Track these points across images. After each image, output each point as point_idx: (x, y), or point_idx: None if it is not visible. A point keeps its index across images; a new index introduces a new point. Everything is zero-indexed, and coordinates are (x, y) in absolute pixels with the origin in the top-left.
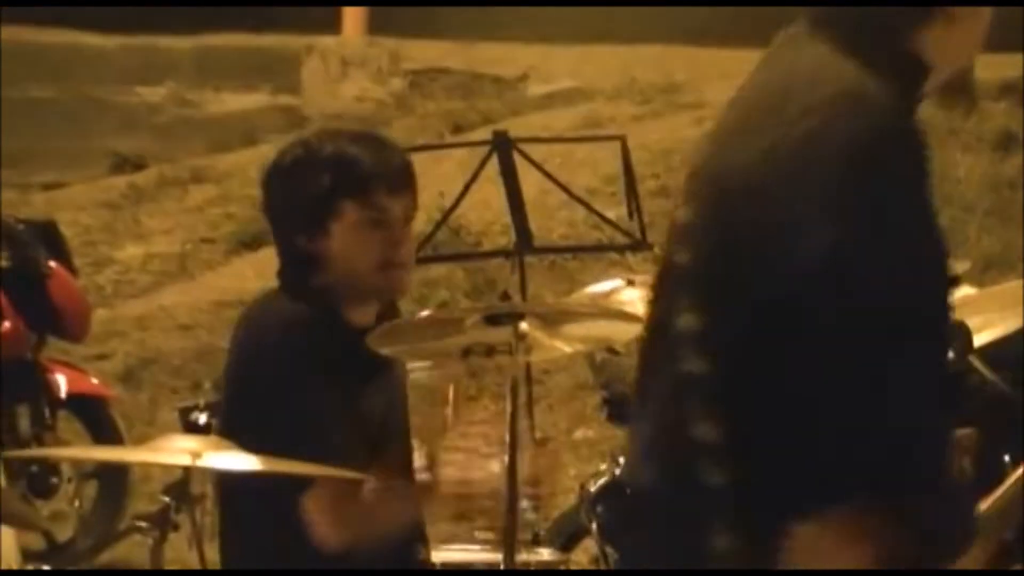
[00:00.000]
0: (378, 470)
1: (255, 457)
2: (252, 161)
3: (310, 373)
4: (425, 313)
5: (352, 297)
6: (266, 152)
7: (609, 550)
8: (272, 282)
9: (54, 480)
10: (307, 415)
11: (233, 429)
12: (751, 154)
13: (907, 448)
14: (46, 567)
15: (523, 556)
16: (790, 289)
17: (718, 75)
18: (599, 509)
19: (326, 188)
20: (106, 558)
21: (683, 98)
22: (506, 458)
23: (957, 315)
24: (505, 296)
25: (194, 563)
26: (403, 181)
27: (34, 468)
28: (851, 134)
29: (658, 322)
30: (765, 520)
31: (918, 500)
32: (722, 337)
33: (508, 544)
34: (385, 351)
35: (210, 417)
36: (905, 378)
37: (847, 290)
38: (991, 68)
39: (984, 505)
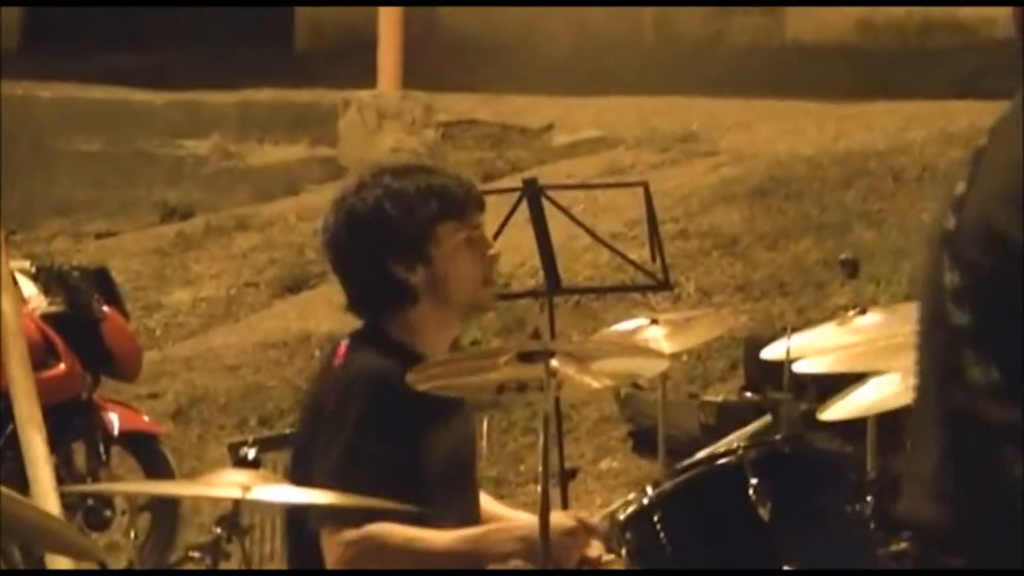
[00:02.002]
0: (440, 511)
1: (303, 491)
2: (293, 209)
3: (380, 426)
4: (460, 352)
5: (438, 326)
6: (307, 201)
7: None
8: (319, 323)
9: (108, 513)
10: (374, 464)
11: (308, 463)
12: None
13: None
14: None
15: None
16: None
17: (732, 125)
18: (628, 536)
19: (434, 213)
20: None
21: (699, 147)
22: (538, 488)
23: None
24: (535, 335)
25: None
26: (481, 199)
27: (90, 502)
28: None
29: (928, 281)
30: None
31: None
32: (981, 292)
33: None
34: (422, 388)
35: (258, 452)
36: None
37: None
38: (991, 114)
39: None
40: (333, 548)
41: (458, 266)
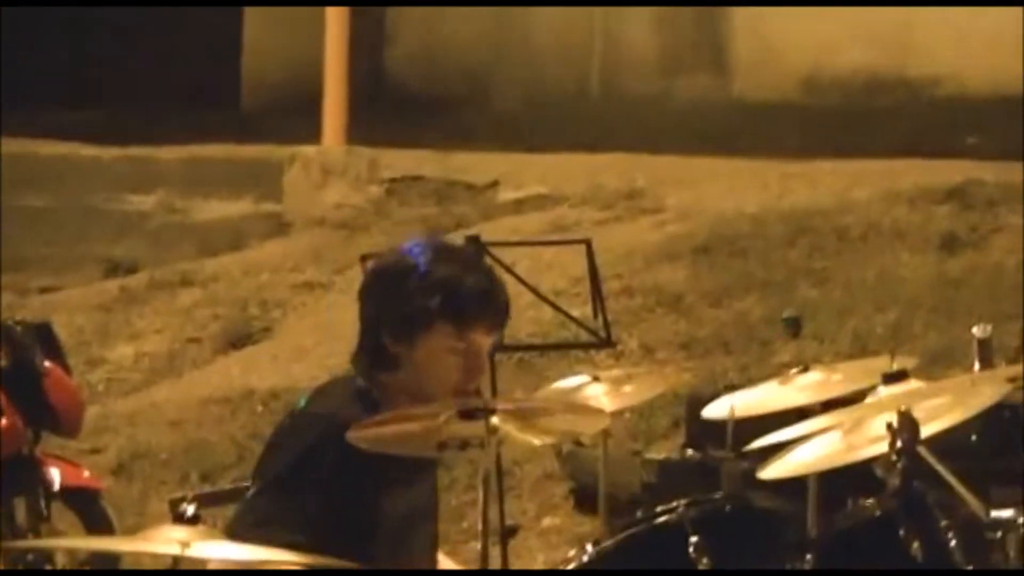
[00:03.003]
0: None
1: (242, 547)
2: (237, 264)
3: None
4: (401, 410)
5: (415, 400)
6: (251, 256)
7: None
8: (262, 378)
9: (49, 568)
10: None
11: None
12: None
13: None
14: None
15: None
16: None
17: (675, 182)
18: None
19: (434, 307)
20: None
21: (644, 203)
22: (478, 545)
23: (906, 408)
24: (476, 392)
25: None
26: (500, 320)
27: (30, 557)
28: None
29: None
30: None
31: None
32: None
33: None
34: (364, 445)
35: (198, 508)
36: None
37: None
38: (937, 173)
39: None
40: None
41: (436, 367)
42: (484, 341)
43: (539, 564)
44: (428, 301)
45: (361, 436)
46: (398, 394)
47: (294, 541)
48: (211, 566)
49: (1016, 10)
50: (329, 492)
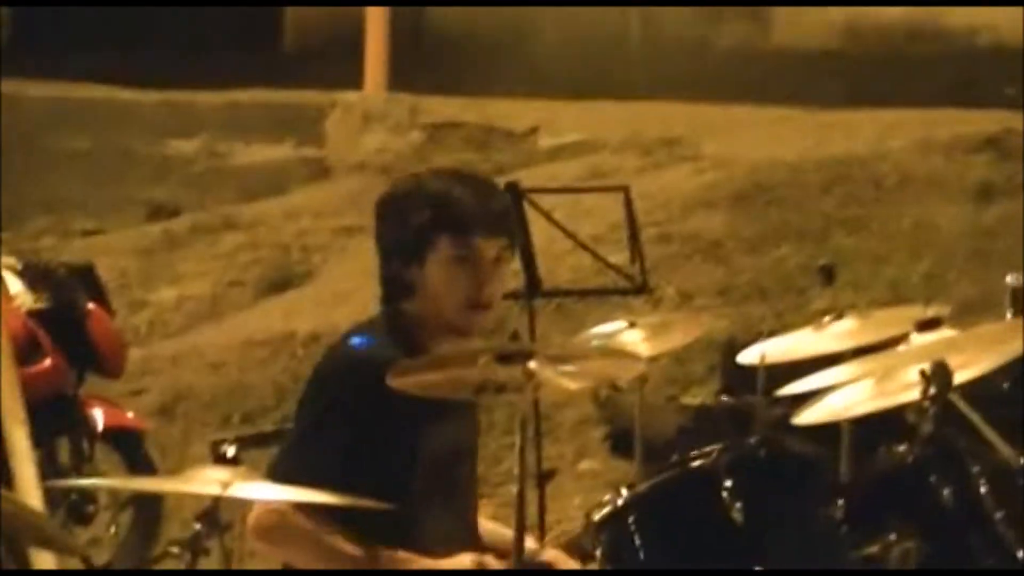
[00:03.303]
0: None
1: (281, 488)
2: (279, 209)
3: (367, 412)
4: (439, 351)
5: (436, 328)
6: (293, 201)
7: None
8: (311, 319)
9: (91, 508)
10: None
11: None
12: None
13: None
14: None
15: None
16: None
17: (714, 130)
18: (602, 537)
19: (426, 221)
20: None
21: (682, 151)
22: (515, 489)
23: (939, 355)
24: (515, 336)
25: None
26: (500, 225)
27: (73, 497)
28: None
29: None
30: None
31: None
32: None
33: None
34: (400, 386)
35: (239, 450)
36: None
37: None
38: (974, 122)
39: None
40: (258, 506)
41: (445, 283)
42: (487, 248)
43: (575, 507)
44: (423, 217)
45: (400, 381)
46: (422, 322)
47: (333, 482)
48: (251, 508)
49: None
50: (366, 430)
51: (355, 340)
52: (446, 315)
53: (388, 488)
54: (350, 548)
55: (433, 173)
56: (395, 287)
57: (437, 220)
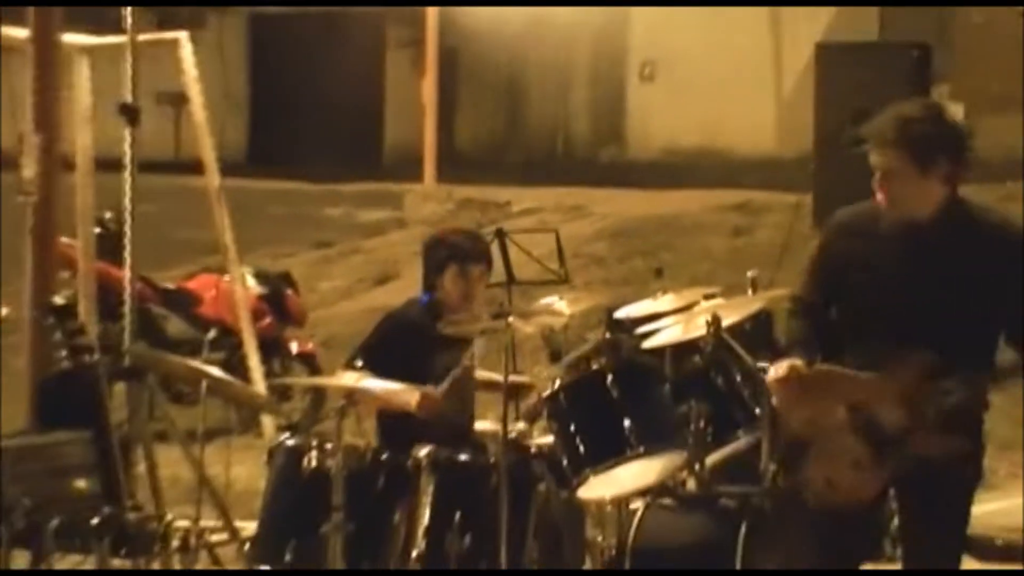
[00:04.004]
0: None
1: (375, 380)
2: (382, 243)
3: (406, 343)
4: (461, 314)
5: (447, 309)
6: (389, 239)
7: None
8: (397, 299)
9: (289, 394)
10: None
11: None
12: None
13: None
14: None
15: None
16: None
17: (599, 201)
18: (546, 407)
19: (444, 257)
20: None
21: (585, 212)
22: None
23: (714, 311)
24: (502, 305)
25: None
26: (481, 258)
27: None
28: None
29: None
30: None
31: None
32: None
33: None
34: (445, 329)
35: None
36: None
37: None
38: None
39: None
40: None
41: (450, 287)
42: (474, 270)
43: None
44: (443, 254)
45: (445, 325)
46: (441, 304)
47: (378, 371)
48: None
49: None
50: (400, 355)
51: (404, 307)
52: (452, 303)
53: (413, 378)
54: (388, 389)
55: (449, 230)
56: (429, 285)
57: (449, 256)
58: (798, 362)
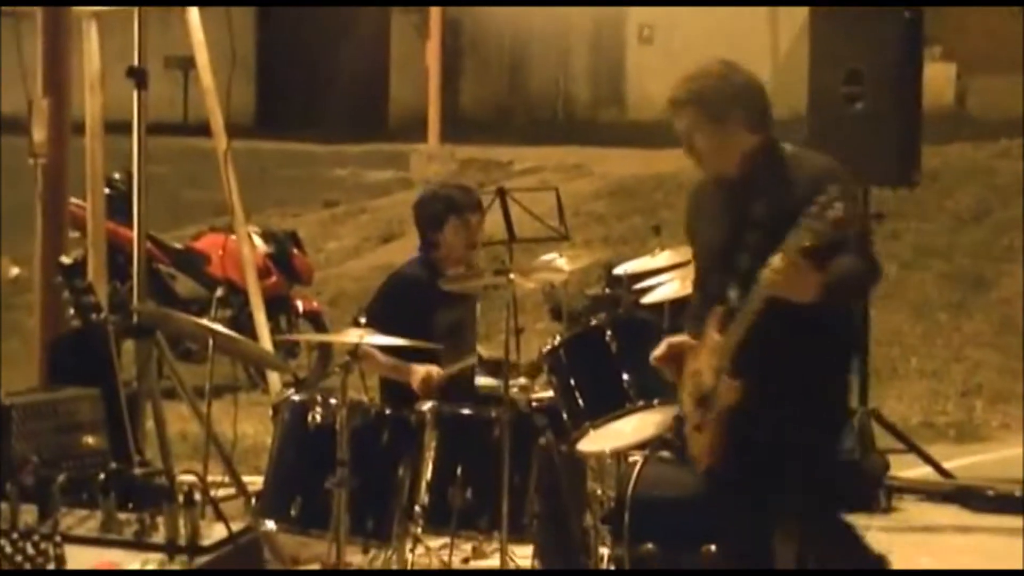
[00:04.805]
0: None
1: (378, 337)
2: (388, 202)
3: (409, 301)
4: (464, 271)
5: (448, 262)
6: (394, 198)
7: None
8: (402, 257)
9: (297, 350)
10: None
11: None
12: None
13: None
14: (291, 393)
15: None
16: None
17: (596, 160)
18: (547, 361)
19: (442, 209)
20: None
21: (584, 171)
22: (503, 338)
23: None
24: (503, 263)
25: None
26: (476, 207)
27: (286, 345)
28: None
29: None
30: None
31: None
32: None
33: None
34: (447, 285)
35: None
36: None
37: None
38: None
39: None
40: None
41: (453, 239)
42: (475, 223)
43: (535, 347)
44: (440, 205)
45: (448, 282)
46: (443, 260)
47: (385, 329)
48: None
49: None
50: (404, 313)
51: (405, 266)
52: (454, 256)
53: (416, 335)
54: (393, 361)
55: (439, 185)
56: (428, 242)
57: (447, 209)
58: (675, 339)
